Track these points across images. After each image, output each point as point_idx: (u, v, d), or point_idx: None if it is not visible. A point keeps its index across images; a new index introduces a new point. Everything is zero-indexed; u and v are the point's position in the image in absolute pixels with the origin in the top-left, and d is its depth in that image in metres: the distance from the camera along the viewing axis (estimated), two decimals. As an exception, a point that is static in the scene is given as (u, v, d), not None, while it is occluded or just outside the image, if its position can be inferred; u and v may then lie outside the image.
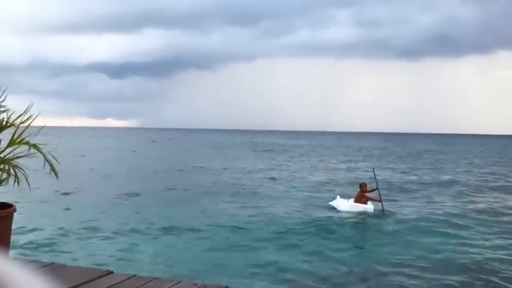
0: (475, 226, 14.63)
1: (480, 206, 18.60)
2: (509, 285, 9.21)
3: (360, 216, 15.87)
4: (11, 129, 3.87)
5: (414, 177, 29.48)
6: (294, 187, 23.99)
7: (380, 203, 16.67)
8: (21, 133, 3.85)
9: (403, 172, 33.09)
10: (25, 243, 11.28)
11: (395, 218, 15.83)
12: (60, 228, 13.26)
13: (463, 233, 13.65)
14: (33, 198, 16.75)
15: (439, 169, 36.39)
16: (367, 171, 31.96)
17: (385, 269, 10.10)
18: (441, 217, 15.90)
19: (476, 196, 21.42)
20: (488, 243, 12.46)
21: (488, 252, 11.49)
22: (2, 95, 3.87)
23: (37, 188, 16.43)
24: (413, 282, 9.32)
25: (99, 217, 14.98)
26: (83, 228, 13.37)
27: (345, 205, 16.73)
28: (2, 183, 3.80)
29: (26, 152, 3.87)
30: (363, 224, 15.19)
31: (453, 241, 12.57)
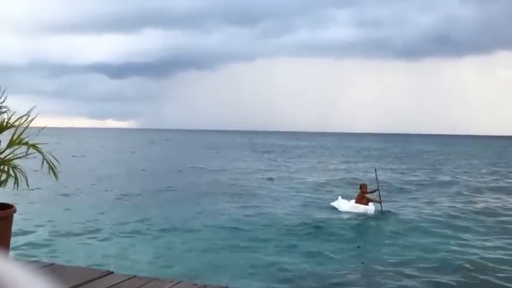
0: (473, 227, 14.63)
1: (479, 206, 18.61)
2: (508, 285, 9.22)
3: (360, 217, 15.88)
4: (11, 130, 3.87)
5: (413, 178, 29.48)
6: (293, 188, 24.00)
7: (380, 204, 16.68)
8: (20, 134, 3.86)
9: (402, 173, 33.09)
10: (25, 244, 11.28)
11: (394, 218, 15.84)
12: (60, 229, 13.26)
13: (461, 233, 13.65)
14: (34, 198, 16.75)
15: (438, 170, 36.40)
16: (366, 172, 31.99)
17: (384, 270, 10.10)
18: (440, 218, 15.91)
19: (475, 197, 21.42)
20: (486, 244, 12.47)
21: (486, 253, 11.49)
22: (2, 95, 3.88)
23: (37, 188, 16.44)
24: (413, 282, 9.33)
25: (99, 217, 14.99)
26: (83, 229, 13.38)
27: (346, 206, 16.79)
28: (2, 185, 3.81)
29: (25, 153, 3.87)
30: (363, 225, 15.19)
31: (452, 242, 12.57)
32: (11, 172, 3.79)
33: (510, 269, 10.18)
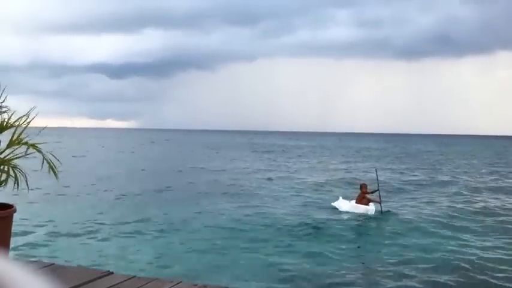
0: (472, 227, 14.65)
1: (478, 207, 18.62)
2: (507, 285, 9.22)
3: (360, 217, 15.88)
4: (11, 130, 3.87)
5: (413, 178, 29.49)
6: (293, 188, 24.00)
7: (380, 204, 16.68)
8: (20, 134, 3.86)
9: (402, 173, 33.10)
10: (25, 244, 11.28)
11: (394, 219, 15.85)
12: (60, 229, 13.28)
13: (461, 233, 13.66)
14: (33, 198, 16.74)
15: (438, 170, 36.41)
16: (366, 172, 32.00)
17: (384, 270, 10.11)
18: (440, 218, 15.92)
19: (475, 197, 21.43)
20: (485, 244, 12.48)
21: (485, 253, 11.50)
22: (2, 95, 3.88)
23: (37, 188, 16.43)
24: (413, 282, 9.34)
25: (99, 217, 14.99)
26: (83, 229, 13.39)
27: (347, 206, 16.82)
28: (2, 185, 3.81)
29: (24, 153, 3.88)
30: (363, 225, 15.19)
31: (452, 242, 12.59)
32: (11, 172, 3.79)
33: (509, 269, 10.18)
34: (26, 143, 3.86)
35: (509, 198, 21.26)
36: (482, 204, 19.35)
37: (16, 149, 3.87)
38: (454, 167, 40.14)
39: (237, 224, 14.49)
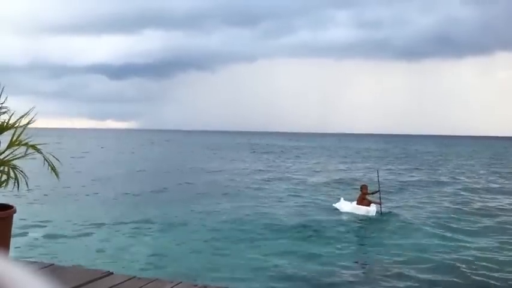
0: (472, 227, 14.67)
1: (478, 207, 18.64)
2: (506, 286, 9.23)
3: (360, 218, 15.87)
4: (11, 130, 3.87)
5: (413, 179, 29.48)
6: (293, 188, 23.99)
7: (380, 206, 16.67)
8: (20, 134, 3.86)
9: (401, 173, 33.09)
10: (25, 244, 11.28)
11: (394, 220, 15.84)
12: (59, 229, 13.28)
13: (460, 234, 13.68)
14: (33, 199, 16.77)
15: (437, 171, 36.41)
16: (366, 172, 32.00)
17: (384, 270, 10.11)
18: (439, 219, 15.95)
19: (474, 197, 21.45)
20: (484, 245, 12.49)
21: (485, 253, 11.50)
22: (2, 96, 3.88)
23: (37, 189, 16.45)
24: (412, 283, 9.34)
25: (98, 218, 14.97)
26: (83, 229, 13.40)
27: (347, 207, 16.81)
28: (2, 185, 3.81)
29: (24, 153, 3.88)
30: (363, 226, 15.18)
31: (451, 243, 12.61)
32: (11, 173, 3.79)
33: (508, 269, 10.18)
34: (26, 144, 3.86)
35: (508, 198, 21.28)
36: (482, 204, 19.37)
37: (16, 149, 3.87)
38: (454, 167, 40.14)
39: (236, 224, 14.49)
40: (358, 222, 15.47)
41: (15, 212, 3.79)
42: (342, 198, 17.84)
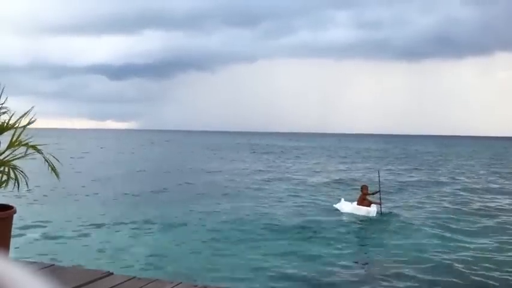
0: (471, 228, 14.68)
1: (477, 208, 18.64)
2: (504, 286, 9.23)
3: (360, 219, 15.86)
4: (12, 131, 3.87)
5: (412, 179, 29.48)
6: (293, 189, 23.99)
7: (380, 206, 16.68)
8: (19, 135, 3.86)
9: (401, 174, 33.09)
10: (25, 245, 11.28)
11: (394, 220, 15.84)
12: (59, 230, 13.27)
13: (459, 235, 13.69)
14: (33, 199, 16.77)
15: (437, 171, 36.42)
16: (365, 173, 31.99)
17: (383, 272, 10.11)
18: (438, 219, 15.95)
19: (473, 198, 21.45)
20: (484, 245, 12.48)
21: (484, 254, 11.50)
22: (2, 96, 3.88)
23: (36, 189, 16.44)
24: (410, 283, 9.34)
25: (97, 218, 14.97)
26: (82, 229, 13.40)
27: (348, 207, 16.80)
28: (2, 186, 3.81)
29: (24, 153, 3.88)
30: (362, 227, 15.18)
31: (451, 244, 12.61)
32: (11, 173, 3.79)
33: (507, 269, 10.18)
34: (26, 144, 3.86)
35: (508, 199, 21.29)
36: (481, 205, 19.38)
37: (16, 150, 3.87)
38: (454, 168, 40.15)
39: (236, 225, 14.48)
40: (359, 223, 15.46)
41: (15, 212, 3.79)
42: (342, 199, 17.85)
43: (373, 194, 17.08)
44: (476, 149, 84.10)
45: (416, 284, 9.31)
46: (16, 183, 3.83)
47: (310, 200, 19.99)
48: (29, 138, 3.90)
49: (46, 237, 12.52)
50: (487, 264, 10.54)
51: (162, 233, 13.39)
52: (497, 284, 9.37)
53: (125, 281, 3.68)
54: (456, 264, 10.51)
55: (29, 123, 3.86)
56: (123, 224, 14.22)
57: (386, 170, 35.36)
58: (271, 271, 9.93)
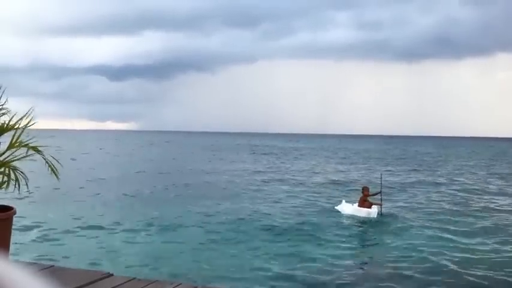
0: (471, 228, 14.69)
1: (477, 208, 18.65)
2: (503, 286, 9.24)
3: (360, 221, 15.85)
4: (12, 131, 3.88)
5: (412, 180, 29.48)
6: (293, 190, 23.99)
7: (380, 207, 16.68)
8: (19, 135, 3.86)
9: (401, 175, 33.09)
10: (25, 246, 11.28)
11: (394, 221, 15.85)
12: (59, 231, 13.27)
13: (459, 235, 13.70)
14: (33, 200, 16.76)
15: (436, 172, 36.43)
16: (365, 174, 31.99)
17: (381, 272, 10.12)
18: (438, 220, 15.99)
19: (473, 198, 21.48)
20: (484, 246, 12.50)
21: (484, 254, 11.51)
22: (2, 97, 3.88)
23: (36, 190, 16.43)
24: (410, 283, 9.34)
25: (96, 219, 14.97)
26: (82, 230, 13.40)
27: (349, 209, 16.79)
28: (2, 187, 3.81)
29: (25, 153, 3.88)
30: (362, 228, 15.18)
31: (450, 244, 12.62)
32: (12, 174, 3.80)
33: (507, 270, 10.18)
34: (26, 145, 3.87)
35: (507, 199, 21.31)
36: (481, 205, 19.41)
37: (16, 151, 3.87)
38: (453, 168, 40.16)
39: (236, 226, 14.48)
40: (359, 224, 15.46)
41: (15, 213, 3.80)
42: (343, 201, 17.83)
43: (374, 195, 17.09)
44: (476, 150, 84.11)
45: (416, 285, 9.31)
46: (16, 184, 3.83)
47: (310, 201, 19.99)
48: (29, 139, 3.91)
49: (46, 238, 12.52)
50: (487, 265, 10.55)
51: (162, 233, 13.38)
52: (496, 284, 9.37)
53: (125, 282, 3.68)
54: (456, 265, 10.52)
55: (28, 124, 3.87)
56: (123, 225, 14.22)
57: (386, 170, 35.35)
58: (271, 272, 9.93)
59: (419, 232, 14.05)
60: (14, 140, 3.85)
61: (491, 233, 14.04)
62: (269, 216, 16.10)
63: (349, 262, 10.95)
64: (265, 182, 27.36)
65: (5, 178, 3.79)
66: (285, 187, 25.01)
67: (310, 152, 67.38)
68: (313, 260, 10.91)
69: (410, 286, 9.28)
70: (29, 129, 3.89)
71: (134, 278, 3.84)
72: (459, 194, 23.04)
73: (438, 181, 29.03)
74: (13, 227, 3.85)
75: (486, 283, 9.46)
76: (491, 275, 9.91)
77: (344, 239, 13.21)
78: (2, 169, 3.78)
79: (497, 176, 33.59)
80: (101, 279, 3.72)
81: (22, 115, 3.86)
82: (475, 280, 9.61)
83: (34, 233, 12.89)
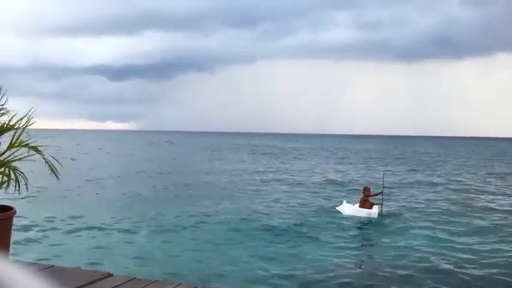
0: (470, 229, 14.70)
1: (476, 209, 18.65)
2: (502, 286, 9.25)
3: (361, 221, 15.84)
4: (12, 132, 3.88)
5: (411, 180, 29.48)
6: (293, 190, 23.98)
7: (381, 207, 16.69)
8: (19, 135, 3.86)
9: (400, 175, 33.09)
10: (25, 246, 11.28)
11: (394, 221, 15.86)
12: (59, 231, 13.29)
13: (459, 235, 13.73)
14: (33, 200, 16.74)
15: (435, 172, 36.43)
16: (364, 174, 31.98)
17: (382, 272, 10.11)
18: (438, 220, 16.00)
19: (473, 199, 21.47)
20: (484, 246, 12.50)
21: (483, 254, 11.51)
22: (2, 97, 3.88)
23: (36, 190, 16.43)
24: (410, 284, 9.34)
25: (96, 219, 14.96)
26: (82, 231, 13.41)
27: (350, 210, 16.78)
28: (2, 187, 3.81)
29: (25, 155, 3.88)
30: (362, 229, 15.18)
31: (451, 245, 12.63)
32: (12, 175, 3.80)
33: (507, 270, 10.18)
34: (26, 145, 3.87)
35: (506, 200, 21.31)
36: (481, 205, 19.43)
37: (16, 151, 3.87)
38: (453, 168, 40.17)
39: (236, 226, 14.48)
40: (359, 225, 15.46)
41: (15, 213, 3.80)
42: (344, 201, 17.82)
43: (375, 195, 17.10)
44: (476, 150, 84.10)
45: (417, 285, 9.31)
46: (16, 185, 3.83)
47: (309, 201, 19.99)
48: (29, 139, 3.91)
49: (46, 238, 12.52)
50: (486, 265, 10.55)
51: (162, 233, 13.37)
52: (496, 284, 9.37)
53: (125, 282, 3.68)
54: (456, 265, 10.52)
55: (28, 124, 3.87)
56: (123, 225, 14.22)
57: (386, 171, 35.36)
58: (271, 272, 9.93)
59: (419, 232, 14.05)
60: (14, 140, 3.85)
61: (490, 233, 14.05)
62: (269, 216, 16.11)
63: (349, 262, 10.95)
64: (264, 182, 27.36)
65: (5, 178, 3.79)
66: (285, 187, 25.00)
67: (310, 152, 67.37)
68: (313, 260, 10.91)
69: (411, 286, 9.28)
70: (28, 129, 3.89)
71: (134, 278, 3.84)
72: (459, 194, 23.04)
73: (438, 181, 29.03)
74: (13, 227, 3.85)
75: (486, 283, 9.47)
76: (491, 274, 9.91)
77: (344, 240, 13.21)
78: (2, 169, 3.78)
79: (496, 176, 33.59)
80: (100, 279, 3.72)
81: (22, 115, 3.86)
82: (475, 280, 9.61)
83: (34, 233, 12.88)
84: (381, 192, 17.03)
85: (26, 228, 13.06)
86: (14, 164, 3.83)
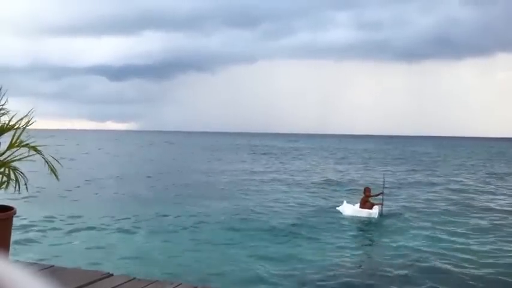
0: (470, 229, 14.69)
1: (476, 209, 18.65)
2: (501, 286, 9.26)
3: (361, 222, 15.84)
4: (12, 132, 3.88)
5: (411, 180, 29.49)
6: (293, 190, 23.99)
7: (381, 207, 16.69)
8: (19, 135, 3.86)
9: (400, 175, 33.09)
10: (25, 246, 11.28)
11: (394, 221, 15.87)
12: (59, 231, 13.29)
13: (458, 235, 13.73)
14: (33, 200, 16.74)
15: (435, 172, 36.43)
16: (364, 174, 31.98)
17: (380, 272, 10.11)
18: (437, 220, 15.99)
19: (473, 199, 21.47)
20: (484, 246, 12.50)
21: (483, 254, 11.52)
22: (2, 97, 3.89)
23: (36, 190, 16.43)
24: (409, 285, 9.34)
25: (95, 219, 14.98)
26: (81, 231, 13.41)
27: (350, 210, 16.79)
28: (2, 187, 3.81)
29: (25, 155, 3.89)
30: (362, 229, 15.19)
31: (450, 245, 12.63)
32: (12, 175, 3.80)
33: (507, 270, 10.19)
34: (26, 145, 3.87)
35: (506, 200, 21.30)
36: (480, 205, 19.43)
37: (16, 151, 3.88)
38: (453, 169, 40.16)
39: (236, 226, 14.48)
40: (359, 225, 15.46)
41: (15, 213, 3.80)
42: (345, 201, 17.81)
43: (376, 195, 17.11)
44: (476, 150, 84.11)
45: (417, 285, 9.31)
46: (16, 185, 3.84)
47: (309, 202, 19.99)
48: (30, 139, 3.91)
49: (46, 238, 12.52)
50: (486, 265, 10.55)
51: (162, 233, 13.38)
52: (496, 284, 9.38)
53: (125, 282, 3.69)
54: (456, 265, 10.52)
55: (28, 124, 3.87)
56: (122, 225, 14.22)
57: (385, 171, 35.36)
58: (270, 272, 9.93)
59: (419, 232, 14.05)
60: (14, 140, 3.85)
61: (490, 233, 14.05)
62: (269, 217, 16.10)
63: (349, 262, 10.95)
64: (264, 182, 27.36)
65: (5, 178, 3.79)
66: (285, 187, 25.00)
67: (310, 152, 67.37)
68: (313, 260, 10.91)
69: (411, 286, 9.28)
70: (28, 129, 3.90)
71: (134, 278, 3.84)
72: (458, 194, 23.04)
73: (437, 181, 29.03)
74: (13, 227, 3.85)
75: (486, 283, 9.47)
76: (490, 274, 9.92)
77: (344, 240, 13.22)
78: (2, 169, 3.79)
79: (496, 176, 33.60)
80: (100, 279, 3.72)
81: (22, 115, 3.86)
82: (475, 280, 9.61)
83: (34, 233, 12.88)
84: (381, 193, 17.04)
85: (26, 228, 13.06)
86: (14, 164, 3.83)
